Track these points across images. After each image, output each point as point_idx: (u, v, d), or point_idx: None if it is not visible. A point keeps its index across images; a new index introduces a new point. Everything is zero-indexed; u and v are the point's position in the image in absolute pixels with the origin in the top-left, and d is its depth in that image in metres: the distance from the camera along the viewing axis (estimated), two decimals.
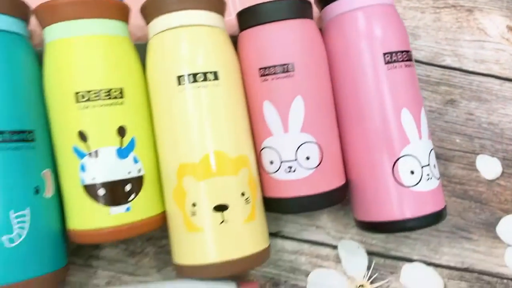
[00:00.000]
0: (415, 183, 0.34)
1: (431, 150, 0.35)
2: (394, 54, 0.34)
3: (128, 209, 0.31)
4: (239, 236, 0.31)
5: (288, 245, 0.39)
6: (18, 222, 0.29)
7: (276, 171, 0.34)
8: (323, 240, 0.39)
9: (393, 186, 0.34)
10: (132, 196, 0.31)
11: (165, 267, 0.37)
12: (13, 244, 0.29)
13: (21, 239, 0.29)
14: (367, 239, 0.40)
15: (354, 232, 0.40)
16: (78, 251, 0.36)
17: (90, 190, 0.31)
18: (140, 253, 0.37)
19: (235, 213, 0.31)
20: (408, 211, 0.34)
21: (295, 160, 0.34)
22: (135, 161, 0.32)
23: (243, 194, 0.32)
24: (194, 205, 0.31)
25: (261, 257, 0.32)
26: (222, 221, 0.31)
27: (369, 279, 0.38)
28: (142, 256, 0.37)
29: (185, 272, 0.32)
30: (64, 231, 0.33)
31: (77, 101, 0.30)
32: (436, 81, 0.45)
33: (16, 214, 0.29)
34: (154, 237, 0.37)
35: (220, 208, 0.31)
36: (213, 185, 0.31)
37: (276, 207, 0.35)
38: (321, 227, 0.40)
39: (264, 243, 0.33)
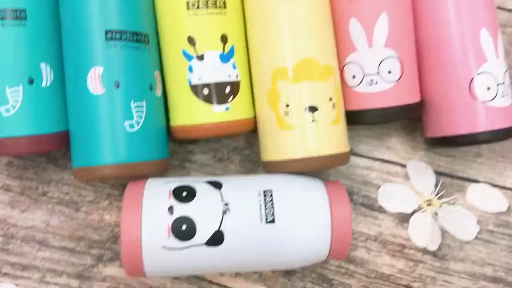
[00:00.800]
0: (491, 99, 0.36)
1: (506, 70, 0.37)
2: None
3: (227, 108, 0.35)
4: (326, 135, 0.35)
5: (360, 161, 0.42)
6: (137, 111, 0.34)
7: (358, 84, 0.37)
8: (392, 159, 0.42)
9: (468, 101, 0.36)
10: (231, 97, 0.35)
11: (250, 173, 0.41)
12: (133, 130, 0.33)
13: (139, 126, 0.34)
14: (435, 160, 0.42)
15: (422, 154, 0.42)
16: (173, 154, 0.41)
17: (196, 89, 0.35)
18: (226, 160, 0.41)
19: (324, 115, 0.34)
20: (481, 125, 0.36)
21: (377, 73, 0.36)
22: (234, 67, 0.36)
23: (330, 99, 0.35)
24: (287, 105, 0.34)
25: (342, 158, 0.36)
26: (313, 121, 0.34)
27: (436, 195, 0.41)
28: (229, 162, 0.41)
29: (274, 167, 0.36)
30: (167, 129, 0.37)
31: (188, 8, 0.34)
32: (503, 23, 0.47)
33: (136, 104, 0.34)
34: (239, 147, 0.41)
35: (311, 109, 0.34)
36: (305, 88, 0.34)
37: (357, 119, 0.38)
38: (391, 148, 0.42)
39: (346, 147, 0.36)
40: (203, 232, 0.32)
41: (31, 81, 0.33)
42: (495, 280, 0.40)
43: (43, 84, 0.34)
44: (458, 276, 0.40)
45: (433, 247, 0.40)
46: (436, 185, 0.41)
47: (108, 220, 0.39)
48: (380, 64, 0.36)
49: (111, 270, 0.38)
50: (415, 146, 0.43)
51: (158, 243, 0.31)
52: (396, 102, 0.37)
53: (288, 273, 0.39)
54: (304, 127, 0.34)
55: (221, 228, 0.32)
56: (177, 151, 0.41)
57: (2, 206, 0.39)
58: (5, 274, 0.38)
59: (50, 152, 0.39)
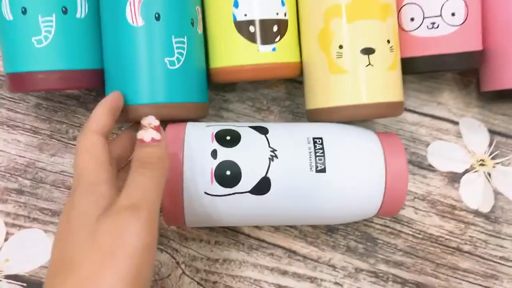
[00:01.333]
0: None
1: None
2: None
3: (274, 49, 0.33)
4: (382, 81, 0.32)
5: (409, 117, 0.39)
6: (178, 48, 0.31)
7: (417, 28, 0.34)
8: (444, 116, 0.39)
9: None
10: (278, 37, 0.33)
11: None
12: (173, 67, 0.31)
13: (179, 64, 0.31)
14: (489, 118, 0.39)
15: (476, 111, 0.39)
16: (210, 102, 0.38)
17: (241, 26, 0.32)
18: (266, 110, 0.39)
19: (380, 58, 0.31)
20: None
21: (440, 16, 0.33)
22: (282, 3, 0.33)
23: (388, 42, 0.32)
24: (340, 47, 0.31)
25: (397, 107, 0.33)
26: (368, 64, 0.31)
27: (490, 155, 0.39)
28: (268, 113, 0.39)
29: (321, 115, 0.33)
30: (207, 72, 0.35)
31: None
32: None
33: (177, 39, 0.31)
34: (279, 98, 0.39)
35: (367, 51, 0.31)
36: (362, 28, 0.31)
37: (412, 67, 0.34)
38: (442, 104, 0.39)
39: (401, 96, 0.33)
40: (249, 179, 0.29)
41: (65, 11, 0.31)
42: None
43: (78, 15, 0.31)
44: (511, 240, 0.37)
45: (485, 209, 0.38)
46: (490, 145, 0.39)
47: None
48: (444, 5, 0.33)
49: None
50: (468, 102, 0.40)
51: (201, 188, 0.29)
52: (458, 48, 0.33)
53: (331, 230, 0.37)
54: (358, 71, 0.31)
55: (268, 175, 0.30)
56: (213, 99, 0.38)
57: (31, 149, 0.37)
58: (34, 220, 0.36)
59: (82, 91, 0.37)
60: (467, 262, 0.37)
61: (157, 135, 0.28)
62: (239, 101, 0.39)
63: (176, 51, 0.31)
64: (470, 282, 0.36)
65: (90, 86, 0.33)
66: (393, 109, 0.33)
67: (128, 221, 0.24)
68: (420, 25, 0.34)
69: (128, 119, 0.32)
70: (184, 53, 0.31)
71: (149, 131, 0.27)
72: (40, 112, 0.37)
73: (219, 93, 0.38)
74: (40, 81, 0.31)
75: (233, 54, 0.33)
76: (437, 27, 0.33)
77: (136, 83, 0.31)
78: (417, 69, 0.35)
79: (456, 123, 0.39)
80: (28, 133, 0.37)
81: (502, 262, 0.37)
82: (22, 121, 0.37)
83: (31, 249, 0.35)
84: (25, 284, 0.35)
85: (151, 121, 0.28)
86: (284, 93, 0.39)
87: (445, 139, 0.39)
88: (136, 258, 0.23)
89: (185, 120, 0.34)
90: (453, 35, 0.33)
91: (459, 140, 0.39)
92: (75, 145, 0.37)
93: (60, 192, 0.36)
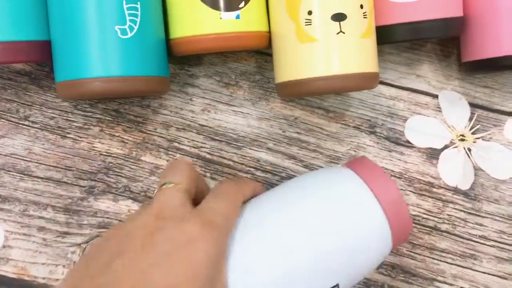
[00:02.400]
0: None
1: None
2: None
3: (238, 16, 0.30)
4: (355, 50, 0.29)
5: (386, 90, 0.37)
6: (130, 15, 0.28)
7: None
8: (423, 89, 0.37)
9: None
10: (242, 3, 0.30)
11: (259, 101, 0.36)
12: (126, 36, 0.28)
13: (132, 33, 0.28)
14: (470, 91, 0.37)
15: (457, 84, 0.37)
16: (174, 77, 0.36)
17: None
18: (234, 86, 0.36)
19: (353, 25, 0.29)
20: None
21: None
22: None
23: (361, 7, 0.29)
24: (309, 13, 0.29)
25: (371, 79, 0.30)
26: (339, 32, 0.29)
27: (470, 129, 0.37)
28: (237, 88, 0.36)
29: (291, 89, 0.31)
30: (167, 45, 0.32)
31: None
32: None
33: (128, 5, 0.28)
34: (248, 72, 0.36)
35: (338, 17, 0.29)
36: None
37: (388, 35, 0.32)
38: (421, 76, 0.37)
39: (375, 67, 0.31)
40: None
41: None
42: None
43: None
44: (491, 218, 0.36)
45: (465, 186, 0.36)
46: (470, 119, 0.37)
47: (99, 148, 0.34)
48: None
49: (104, 203, 0.34)
50: (448, 74, 0.38)
51: None
52: (437, 15, 0.31)
53: None
54: (329, 39, 0.29)
55: None
56: (177, 75, 0.36)
57: None
58: None
59: (33, 66, 0.34)
60: (445, 242, 0.35)
61: None
62: (206, 76, 0.36)
63: (128, 18, 0.28)
64: (448, 263, 0.35)
65: (40, 59, 0.30)
66: (368, 81, 0.30)
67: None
68: None
69: (80, 94, 0.29)
70: (138, 21, 0.28)
71: None
72: None
73: (183, 67, 0.36)
74: None
75: (194, 22, 0.30)
76: None
77: (85, 54, 0.28)
78: (394, 38, 0.32)
79: (435, 96, 0.37)
80: None
81: (482, 241, 0.35)
82: None
83: None
84: None
85: None
86: (254, 66, 0.36)
87: (424, 113, 0.37)
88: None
89: (143, 96, 0.31)
90: (432, 1, 0.31)
91: (438, 115, 0.37)
92: (26, 125, 0.35)
93: (10, 177, 0.33)
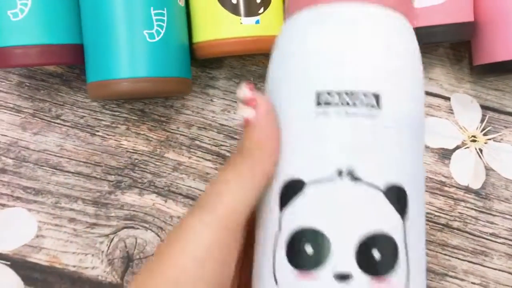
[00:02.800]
0: None
1: None
2: None
3: (257, 21, 0.32)
4: None
5: None
6: (157, 20, 0.30)
7: None
8: (435, 91, 0.39)
9: None
10: (261, 9, 0.32)
11: None
12: (153, 40, 0.30)
13: (159, 37, 0.30)
14: (482, 94, 0.38)
15: (468, 87, 0.39)
16: (195, 79, 0.38)
17: (224, 0, 0.31)
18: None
19: None
20: None
21: None
22: None
23: None
24: None
25: None
26: None
27: (482, 131, 0.38)
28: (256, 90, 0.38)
29: None
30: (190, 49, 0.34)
31: None
32: None
33: (156, 11, 0.30)
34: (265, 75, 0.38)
35: None
36: None
37: None
38: (433, 79, 0.39)
39: None
40: None
41: None
42: None
43: None
44: (502, 216, 0.37)
45: (476, 185, 0.37)
46: (482, 121, 0.38)
47: (126, 146, 0.37)
48: None
49: (130, 197, 0.36)
50: (460, 78, 0.39)
51: None
52: (449, 19, 0.33)
53: None
54: None
55: None
56: (198, 77, 0.38)
57: (13, 128, 0.36)
58: (17, 198, 0.36)
59: (64, 68, 0.36)
60: (456, 239, 0.36)
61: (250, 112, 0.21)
62: (226, 78, 0.38)
63: (155, 23, 0.30)
64: (459, 259, 0.36)
65: (72, 62, 0.33)
66: None
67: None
68: None
69: (109, 94, 0.31)
70: (164, 26, 0.30)
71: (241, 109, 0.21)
72: (22, 90, 0.37)
73: (204, 70, 0.38)
74: (19, 56, 0.30)
75: (216, 27, 0.32)
76: None
77: (115, 56, 0.30)
78: None
79: (447, 99, 0.38)
80: (10, 112, 0.36)
81: (492, 238, 0.36)
82: (4, 99, 0.36)
83: (14, 228, 0.34)
84: (8, 263, 0.35)
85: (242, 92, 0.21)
86: None
87: (437, 115, 0.38)
88: None
89: (167, 96, 0.33)
90: (444, 5, 0.32)
91: (450, 116, 0.38)
92: (58, 123, 0.37)
93: (43, 171, 0.36)
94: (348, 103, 0.19)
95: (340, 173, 0.19)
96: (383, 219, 0.19)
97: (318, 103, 0.20)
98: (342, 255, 0.19)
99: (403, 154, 0.20)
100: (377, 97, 0.20)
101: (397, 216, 0.19)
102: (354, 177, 0.19)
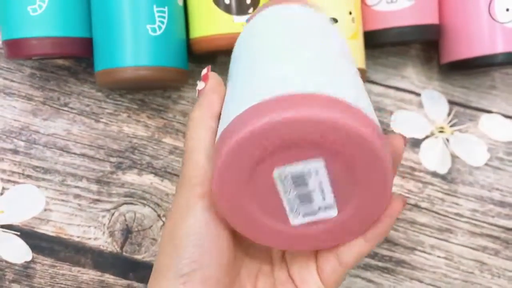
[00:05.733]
0: (509, 20, 0.36)
1: None
2: None
3: (247, 20, 0.36)
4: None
5: (375, 88, 0.43)
6: (159, 16, 0.34)
7: (378, 3, 0.37)
8: (407, 88, 0.43)
9: (487, 22, 0.37)
10: (251, 9, 0.36)
11: None
12: (155, 34, 0.34)
13: (160, 31, 0.34)
14: (449, 90, 0.43)
15: (437, 84, 0.43)
16: (191, 74, 0.41)
17: (218, 0, 0.35)
18: None
19: (343, 28, 0.35)
20: (500, 46, 0.36)
21: None
22: None
23: (350, 13, 0.35)
24: None
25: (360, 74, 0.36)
26: None
27: (449, 123, 0.42)
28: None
29: None
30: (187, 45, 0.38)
31: None
32: None
33: (158, 9, 0.34)
34: None
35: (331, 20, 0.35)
36: (327, 1, 0.35)
37: (375, 39, 0.38)
38: (406, 77, 0.43)
39: (363, 64, 0.37)
40: None
41: None
42: (502, 204, 0.40)
43: None
44: (466, 198, 0.41)
45: (442, 170, 0.41)
46: (449, 114, 0.42)
47: (127, 131, 0.40)
48: None
49: (130, 177, 0.39)
50: (430, 76, 0.43)
51: None
52: (414, 21, 0.37)
53: None
54: None
55: None
56: (194, 71, 0.42)
57: (25, 114, 0.40)
58: (28, 176, 0.39)
59: (72, 62, 0.40)
60: (424, 217, 0.40)
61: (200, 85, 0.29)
62: (219, 74, 0.42)
63: (157, 19, 0.34)
64: (427, 235, 0.40)
65: (81, 54, 0.37)
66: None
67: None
68: (381, 0, 0.37)
69: (115, 81, 0.35)
70: (165, 21, 0.35)
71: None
72: (34, 81, 0.40)
73: (199, 65, 0.41)
74: (34, 47, 0.34)
75: (211, 24, 0.36)
76: (396, 1, 0.37)
77: (121, 47, 0.34)
78: (379, 41, 0.38)
79: (418, 94, 0.43)
80: (23, 100, 0.40)
81: (457, 217, 0.40)
82: (17, 89, 0.40)
83: (25, 202, 0.38)
84: (18, 233, 0.38)
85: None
86: None
87: (408, 108, 0.42)
88: None
89: (165, 88, 0.36)
90: (410, 9, 0.37)
91: (420, 110, 0.42)
92: (66, 110, 0.41)
93: (52, 152, 0.39)
94: None
95: None
96: None
97: None
98: None
99: None
100: None
101: None
102: None
